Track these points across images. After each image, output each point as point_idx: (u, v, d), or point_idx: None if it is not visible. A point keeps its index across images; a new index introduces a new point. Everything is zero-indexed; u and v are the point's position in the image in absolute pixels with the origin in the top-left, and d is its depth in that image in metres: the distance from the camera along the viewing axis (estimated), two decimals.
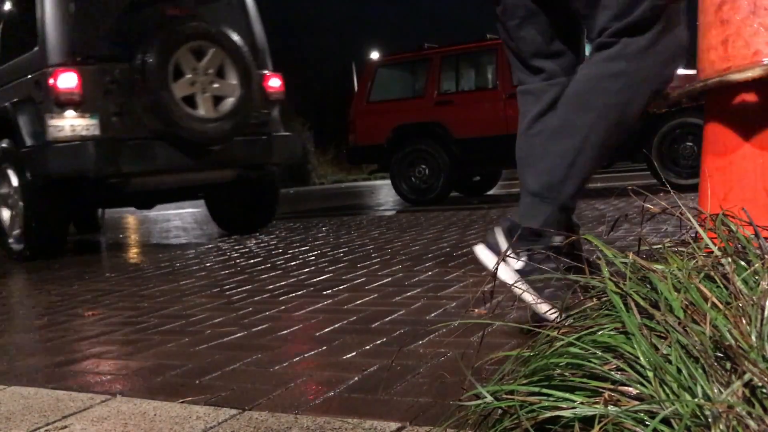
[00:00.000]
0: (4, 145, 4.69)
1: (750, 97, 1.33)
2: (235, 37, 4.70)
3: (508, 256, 1.51)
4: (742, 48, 1.28)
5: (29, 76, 4.48)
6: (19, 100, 4.57)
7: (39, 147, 4.34)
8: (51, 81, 4.23)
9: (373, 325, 1.86)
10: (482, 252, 1.65)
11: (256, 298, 2.45)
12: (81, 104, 4.26)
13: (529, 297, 1.48)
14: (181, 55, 4.42)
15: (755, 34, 1.26)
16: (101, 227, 7.40)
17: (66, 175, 4.31)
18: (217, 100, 4.64)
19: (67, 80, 4.22)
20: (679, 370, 0.70)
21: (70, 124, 4.25)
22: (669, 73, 1.48)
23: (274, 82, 5.18)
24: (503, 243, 1.60)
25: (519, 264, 1.54)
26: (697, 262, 0.86)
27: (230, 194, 5.44)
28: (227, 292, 2.64)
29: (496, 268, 1.25)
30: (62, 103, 4.23)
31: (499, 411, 0.80)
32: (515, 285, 1.48)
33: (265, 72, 5.13)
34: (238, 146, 4.80)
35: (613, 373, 0.74)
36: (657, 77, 1.47)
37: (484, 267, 1.65)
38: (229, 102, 4.65)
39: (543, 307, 1.46)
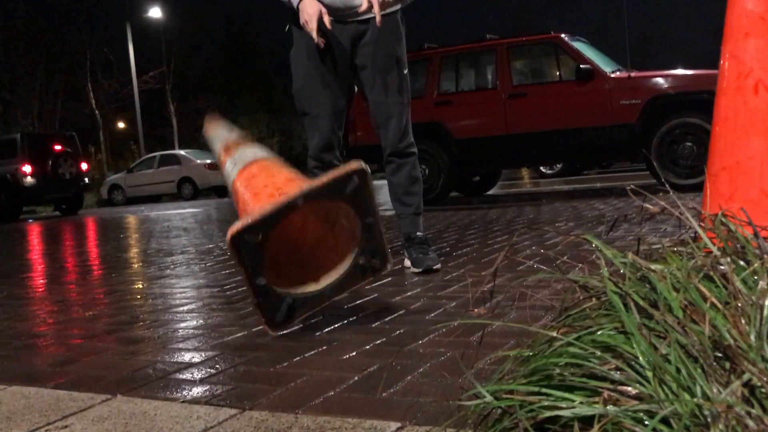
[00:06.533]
0: None
1: (760, 98, 1.33)
2: (74, 151, 15.92)
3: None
4: None
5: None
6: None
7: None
8: (21, 167, 14.84)
9: (373, 325, 1.86)
10: None
11: None
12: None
13: None
14: (55, 160, 15.13)
15: None
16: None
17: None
18: (70, 173, 15.40)
19: (27, 169, 14.78)
20: (678, 370, 0.71)
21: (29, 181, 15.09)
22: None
23: (84, 166, 15.94)
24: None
25: None
26: (696, 261, 0.86)
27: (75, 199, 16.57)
28: (227, 292, 2.64)
29: (496, 269, 1.25)
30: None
31: (499, 410, 0.80)
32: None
33: (81, 160, 16.03)
34: (73, 186, 15.71)
35: (612, 372, 0.74)
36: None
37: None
38: (72, 173, 15.41)
39: None
